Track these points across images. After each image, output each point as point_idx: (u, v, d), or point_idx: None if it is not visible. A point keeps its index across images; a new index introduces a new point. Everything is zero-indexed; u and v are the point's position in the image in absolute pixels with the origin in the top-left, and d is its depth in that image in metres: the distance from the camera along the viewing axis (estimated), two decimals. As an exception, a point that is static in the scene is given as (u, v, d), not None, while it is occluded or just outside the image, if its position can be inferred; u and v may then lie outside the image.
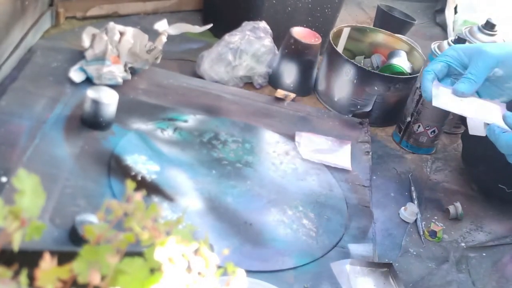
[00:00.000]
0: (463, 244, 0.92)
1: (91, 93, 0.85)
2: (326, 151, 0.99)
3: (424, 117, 1.06)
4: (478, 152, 0.98)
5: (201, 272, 0.38)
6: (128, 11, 1.24)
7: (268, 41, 1.13)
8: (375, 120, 1.13)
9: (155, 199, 0.79)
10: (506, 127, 0.79)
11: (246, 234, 0.79)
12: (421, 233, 0.91)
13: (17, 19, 0.95)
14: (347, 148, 1.01)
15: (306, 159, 0.96)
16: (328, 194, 0.90)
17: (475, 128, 0.84)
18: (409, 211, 0.92)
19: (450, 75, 0.86)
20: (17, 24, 0.95)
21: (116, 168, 0.81)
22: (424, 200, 0.98)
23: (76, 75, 0.94)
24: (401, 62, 1.17)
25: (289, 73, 1.14)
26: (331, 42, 1.13)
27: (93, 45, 0.95)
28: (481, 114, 0.83)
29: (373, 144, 1.07)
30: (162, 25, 1.00)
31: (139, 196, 0.39)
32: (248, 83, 1.14)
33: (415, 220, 0.93)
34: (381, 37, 1.26)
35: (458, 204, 0.96)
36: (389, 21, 1.40)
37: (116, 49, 0.95)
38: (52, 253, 0.36)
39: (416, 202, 0.96)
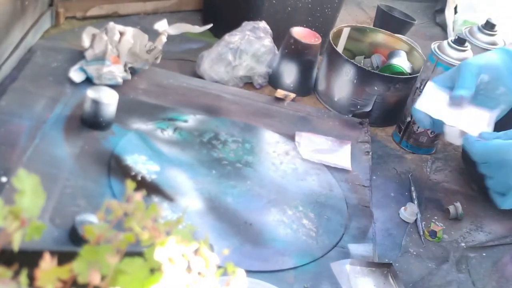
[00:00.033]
0: (463, 244, 0.92)
1: (91, 93, 0.85)
2: (326, 151, 0.99)
3: (424, 117, 1.06)
4: None
5: (201, 272, 0.38)
6: (128, 11, 1.24)
7: (268, 41, 1.13)
8: (375, 120, 1.13)
9: (155, 199, 0.79)
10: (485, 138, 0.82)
11: (246, 234, 0.79)
12: (421, 233, 0.91)
13: (17, 19, 0.95)
14: (347, 148, 1.01)
15: (306, 159, 0.96)
16: (328, 194, 0.90)
17: (452, 137, 0.86)
18: (409, 211, 0.92)
19: None
20: (17, 24, 0.95)
21: (116, 168, 0.81)
22: (424, 200, 0.98)
23: (76, 75, 0.94)
24: (401, 62, 1.18)
25: (289, 73, 1.14)
26: (331, 42, 1.13)
27: (93, 45, 0.95)
28: (461, 123, 0.84)
29: (373, 144, 1.07)
30: (162, 25, 1.00)
31: (139, 196, 0.39)
32: (248, 83, 1.14)
33: (415, 220, 0.93)
34: (381, 37, 1.26)
35: (458, 204, 0.96)
36: (389, 21, 1.40)
37: (116, 49, 0.95)
38: (52, 253, 0.36)
39: (416, 202, 0.96)
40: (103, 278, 0.36)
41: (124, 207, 0.39)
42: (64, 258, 0.37)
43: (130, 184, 0.39)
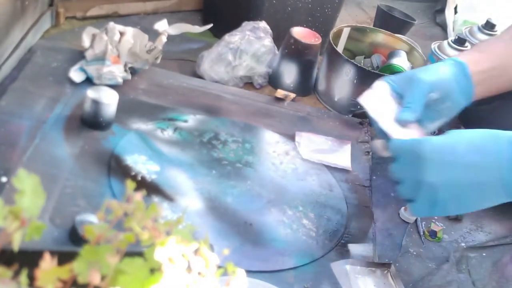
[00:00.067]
0: (463, 244, 0.92)
1: (91, 93, 0.85)
2: (326, 151, 0.99)
3: (424, 117, 1.06)
4: None
5: (201, 272, 0.38)
6: (128, 11, 1.24)
7: (268, 41, 1.13)
8: (375, 120, 1.13)
9: (155, 199, 0.79)
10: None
11: (246, 234, 0.79)
12: (421, 233, 0.91)
13: (17, 19, 0.95)
14: (347, 148, 1.01)
15: (306, 159, 0.96)
16: (328, 194, 0.91)
17: (379, 148, 0.84)
18: (409, 211, 0.92)
19: None
20: (17, 24, 0.95)
21: (116, 168, 0.81)
22: (424, 200, 0.98)
23: (76, 75, 0.94)
24: (401, 62, 1.18)
25: (289, 73, 1.14)
26: (331, 42, 1.13)
27: (93, 45, 0.95)
28: (396, 132, 0.82)
29: (373, 144, 1.07)
30: (162, 25, 1.00)
31: (139, 196, 0.39)
32: (248, 83, 1.14)
33: (415, 220, 0.93)
34: (381, 37, 1.26)
35: (458, 204, 0.96)
36: (389, 21, 1.40)
37: (116, 49, 0.95)
38: (52, 253, 0.36)
39: (416, 202, 0.96)
40: (103, 278, 0.36)
41: (124, 207, 0.39)
42: (64, 258, 0.37)
43: (130, 184, 0.39)
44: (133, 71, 0.99)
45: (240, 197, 0.85)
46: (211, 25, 1.09)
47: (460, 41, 1.08)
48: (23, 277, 0.35)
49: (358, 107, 1.11)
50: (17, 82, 0.91)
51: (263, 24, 1.15)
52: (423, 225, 0.92)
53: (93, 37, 0.96)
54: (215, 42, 1.13)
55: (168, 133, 0.92)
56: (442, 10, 1.64)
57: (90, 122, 0.86)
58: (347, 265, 0.78)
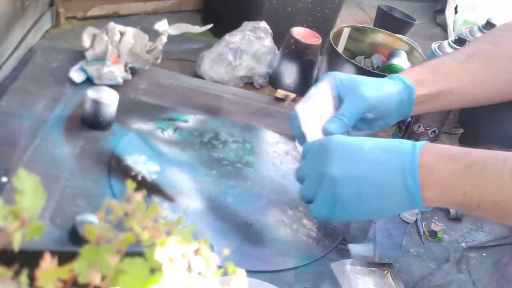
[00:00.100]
0: (463, 244, 0.92)
1: (91, 93, 0.85)
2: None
3: (425, 117, 1.06)
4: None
5: (202, 272, 0.38)
6: (129, 11, 1.24)
7: (268, 41, 1.13)
8: (375, 120, 1.13)
9: (156, 199, 0.79)
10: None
11: (247, 234, 0.79)
12: (422, 233, 0.91)
13: (18, 19, 0.95)
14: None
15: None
16: (328, 194, 0.90)
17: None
18: (410, 211, 0.92)
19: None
20: (18, 24, 0.95)
21: (117, 168, 0.81)
22: (424, 200, 0.98)
23: (76, 75, 0.94)
24: (402, 62, 1.18)
25: (289, 73, 1.14)
26: (331, 42, 1.13)
27: (94, 45, 0.95)
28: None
29: (373, 144, 1.07)
30: (162, 25, 1.00)
31: (139, 196, 0.39)
32: (248, 83, 1.14)
33: (416, 220, 0.93)
34: (381, 37, 1.26)
35: (458, 204, 0.96)
36: (389, 21, 1.40)
37: (116, 49, 0.95)
38: (53, 253, 0.36)
39: (416, 202, 0.96)
40: (103, 278, 0.36)
41: (124, 207, 0.39)
42: (64, 258, 0.37)
43: (130, 184, 0.39)
44: (133, 71, 0.99)
45: (240, 197, 0.85)
46: (211, 25, 1.09)
47: (460, 41, 1.08)
48: (24, 277, 0.35)
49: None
50: (18, 82, 0.91)
51: (263, 24, 1.15)
52: (423, 225, 0.92)
53: (94, 37, 0.96)
54: (215, 42, 1.13)
55: (168, 133, 0.92)
56: (442, 10, 1.64)
57: (91, 122, 0.86)
58: (347, 265, 0.78)
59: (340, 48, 1.22)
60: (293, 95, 1.09)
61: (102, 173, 0.80)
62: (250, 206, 0.84)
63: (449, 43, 1.11)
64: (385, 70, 1.16)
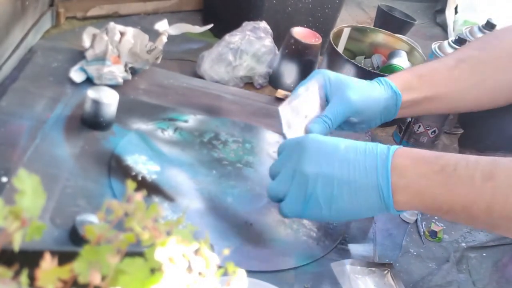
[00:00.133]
0: (463, 244, 0.92)
1: (91, 93, 0.85)
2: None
3: (425, 117, 1.06)
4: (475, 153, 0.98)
5: (202, 272, 0.38)
6: (129, 11, 1.24)
7: (268, 41, 1.13)
8: (375, 120, 1.12)
9: (156, 199, 0.79)
10: None
11: (247, 234, 0.79)
12: (422, 233, 0.91)
13: (18, 19, 0.95)
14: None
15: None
16: (329, 194, 0.90)
17: None
18: (410, 211, 0.92)
19: None
20: (18, 24, 0.95)
21: (117, 168, 0.81)
22: (424, 200, 0.98)
23: (76, 75, 0.94)
24: (402, 62, 1.18)
25: (290, 73, 1.14)
26: (332, 42, 1.13)
27: (94, 45, 0.95)
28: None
29: (374, 144, 1.07)
30: (162, 25, 1.00)
31: (139, 196, 0.39)
32: (249, 83, 1.14)
33: (416, 220, 0.93)
34: (381, 37, 1.26)
35: (458, 204, 0.96)
36: (389, 21, 1.40)
37: (116, 49, 0.95)
38: (53, 253, 0.36)
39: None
40: (103, 278, 0.36)
41: (124, 207, 0.39)
42: (64, 258, 0.37)
43: (130, 184, 0.39)
44: (133, 71, 0.99)
45: (240, 197, 0.85)
46: (212, 25, 1.09)
47: (460, 41, 1.08)
48: (24, 277, 0.35)
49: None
50: (18, 82, 0.91)
51: (263, 24, 1.15)
52: (423, 225, 0.92)
53: (94, 37, 0.96)
54: (215, 42, 1.13)
55: (169, 133, 0.92)
56: (442, 10, 1.64)
57: (91, 122, 0.86)
58: (347, 265, 0.78)
59: (340, 48, 1.22)
60: (293, 95, 1.09)
61: (102, 173, 0.80)
62: (250, 206, 0.84)
63: (449, 43, 1.11)
64: (385, 70, 1.16)
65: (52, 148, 0.81)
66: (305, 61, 1.13)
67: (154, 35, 1.00)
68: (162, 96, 0.99)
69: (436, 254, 0.88)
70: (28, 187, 0.38)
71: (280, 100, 1.08)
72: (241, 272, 0.40)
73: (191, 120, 0.96)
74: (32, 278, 0.35)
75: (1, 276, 0.35)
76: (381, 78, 0.85)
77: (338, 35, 1.22)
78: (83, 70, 0.94)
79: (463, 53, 0.90)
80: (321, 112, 0.83)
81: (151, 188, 0.80)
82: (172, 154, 0.88)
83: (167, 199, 0.79)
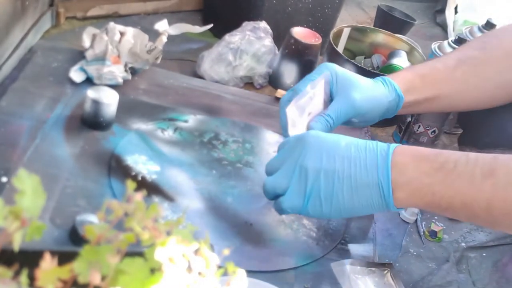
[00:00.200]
0: (463, 244, 0.92)
1: (91, 93, 0.85)
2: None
3: (425, 117, 1.06)
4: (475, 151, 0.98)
5: (202, 272, 0.38)
6: (129, 11, 1.24)
7: (268, 41, 1.13)
8: (375, 120, 1.12)
9: (156, 199, 0.79)
10: None
11: (247, 234, 0.79)
12: (422, 233, 0.91)
13: (18, 19, 0.95)
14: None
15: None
16: (328, 194, 0.90)
17: None
18: (410, 211, 0.92)
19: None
20: (18, 24, 0.95)
21: (117, 168, 0.81)
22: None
23: (76, 75, 0.94)
24: (402, 62, 1.18)
25: (290, 73, 1.14)
26: (331, 42, 1.13)
27: (94, 45, 0.95)
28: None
29: (373, 144, 1.07)
30: (162, 25, 1.00)
31: (139, 196, 0.39)
32: (249, 83, 1.14)
33: (416, 220, 0.93)
34: (381, 37, 1.26)
35: (458, 204, 0.96)
36: (389, 21, 1.40)
37: (116, 49, 0.95)
38: (53, 253, 0.36)
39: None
40: (103, 278, 0.36)
41: (124, 207, 0.39)
42: (64, 258, 0.37)
43: (130, 184, 0.39)
44: (133, 71, 0.99)
45: (240, 197, 0.85)
46: (211, 25, 1.09)
47: (460, 41, 1.08)
48: (24, 277, 0.35)
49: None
50: (18, 82, 0.91)
51: (263, 24, 1.15)
52: (423, 225, 0.92)
53: (94, 37, 0.96)
54: (215, 42, 1.13)
55: (169, 133, 0.92)
56: (442, 10, 1.64)
57: (91, 122, 0.86)
58: (347, 265, 0.78)
59: (340, 48, 1.22)
60: (293, 95, 1.09)
61: (102, 173, 0.80)
62: (250, 206, 0.84)
63: (449, 43, 1.11)
64: (385, 70, 1.16)
65: (52, 148, 0.81)
66: (305, 61, 1.13)
67: (154, 35, 1.00)
68: (162, 96, 0.99)
69: (436, 254, 0.88)
70: (28, 187, 0.38)
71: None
72: (241, 272, 0.40)
73: (191, 120, 0.96)
74: (32, 278, 0.35)
75: (1, 276, 0.35)
76: (386, 78, 0.85)
77: (338, 35, 1.22)
78: (83, 70, 0.94)
79: (463, 53, 0.90)
80: (324, 109, 0.83)
81: (151, 188, 0.80)
82: (172, 154, 0.88)
83: (167, 199, 0.79)
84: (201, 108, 1.00)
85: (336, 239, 0.83)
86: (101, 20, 1.19)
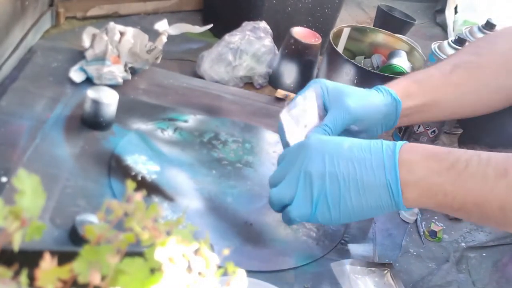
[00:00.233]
0: (463, 244, 0.92)
1: (91, 93, 0.85)
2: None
3: (424, 117, 1.06)
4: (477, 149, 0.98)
5: (202, 272, 0.38)
6: (129, 11, 1.24)
7: (268, 41, 1.13)
8: (375, 120, 1.12)
9: (156, 199, 0.79)
10: None
11: (247, 234, 0.79)
12: (421, 233, 0.91)
13: (17, 19, 0.95)
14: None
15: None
16: (328, 194, 0.90)
17: None
18: (409, 211, 0.92)
19: None
20: (17, 24, 0.95)
21: (116, 168, 0.81)
22: (424, 200, 0.98)
23: (76, 75, 0.94)
24: (401, 62, 1.18)
25: (289, 73, 1.14)
26: (331, 42, 1.13)
27: (93, 45, 0.95)
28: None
29: (373, 144, 1.06)
30: (162, 25, 1.00)
31: (139, 196, 0.39)
32: (248, 83, 1.14)
33: (415, 220, 0.93)
34: (381, 37, 1.26)
35: (458, 204, 0.96)
36: (389, 21, 1.40)
37: (116, 49, 0.95)
38: (53, 253, 0.36)
39: (416, 202, 0.96)
40: (103, 278, 0.36)
41: (124, 207, 0.39)
42: (64, 258, 0.37)
43: (130, 184, 0.39)
44: (133, 71, 0.99)
45: (240, 197, 0.85)
46: (211, 25, 1.09)
47: (460, 41, 1.08)
48: (23, 277, 0.35)
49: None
50: (18, 82, 0.91)
51: (263, 24, 1.15)
52: (423, 225, 0.92)
53: (93, 37, 0.96)
54: (215, 42, 1.13)
55: (168, 133, 0.92)
56: (442, 10, 1.64)
57: (90, 122, 0.86)
58: (347, 265, 0.78)
59: (340, 48, 1.22)
60: (293, 95, 1.09)
61: (102, 173, 0.80)
62: (250, 206, 0.84)
63: (449, 43, 1.11)
64: (385, 70, 1.16)
65: (52, 148, 0.81)
66: (305, 61, 1.13)
67: (154, 35, 1.00)
68: (162, 96, 0.99)
69: (436, 254, 0.88)
70: (28, 187, 0.38)
71: (280, 100, 1.08)
72: (241, 272, 0.40)
73: (191, 120, 0.96)
74: (32, 278, 0.35)
75: (1, 276, 0.35)
76: (380, 86, 0.84)
77: (338, 35, 1.22)
78: (83, 70, 0.94)
79: (459, 59, 0.90)
80: (320, 122, 0.82)
81: (151, 188, 0.80)
82: (172, 154, 0.88)
83: (167, 199, 0.79)
84: (201, 108, 1.00)
85: (336, 239, 0.83)
86: (101, 20, 1.19)
